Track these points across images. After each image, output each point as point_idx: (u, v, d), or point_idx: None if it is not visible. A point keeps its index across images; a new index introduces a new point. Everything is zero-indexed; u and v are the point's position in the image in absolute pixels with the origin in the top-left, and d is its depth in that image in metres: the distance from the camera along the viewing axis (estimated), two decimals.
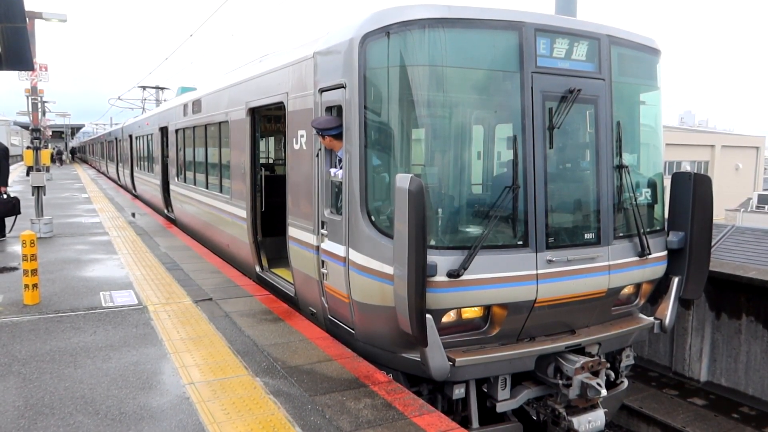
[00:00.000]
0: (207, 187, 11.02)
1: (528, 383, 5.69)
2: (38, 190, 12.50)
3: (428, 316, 4.74)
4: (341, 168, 5.55)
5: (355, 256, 5.34)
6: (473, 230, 5.15)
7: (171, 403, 4.43)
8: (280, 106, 7.10)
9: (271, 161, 12.93)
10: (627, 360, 6.39)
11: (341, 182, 5.53)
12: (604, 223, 5.57)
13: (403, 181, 4.50)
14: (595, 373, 5.55)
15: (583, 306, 5.62)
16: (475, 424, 5.44)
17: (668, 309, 6.16)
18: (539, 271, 5.21)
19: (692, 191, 6.00)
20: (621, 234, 5.76)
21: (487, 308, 5.28)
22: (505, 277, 5.09)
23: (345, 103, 5.40)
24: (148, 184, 18.48)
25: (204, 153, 11.36)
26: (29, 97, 13.33)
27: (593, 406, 5.66)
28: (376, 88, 5.25)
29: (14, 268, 8.98)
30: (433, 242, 4.94)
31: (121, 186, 27.41)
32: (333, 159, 5.88)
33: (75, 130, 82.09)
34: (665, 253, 6.13)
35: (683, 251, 6.11)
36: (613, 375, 6.15)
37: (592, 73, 5.53)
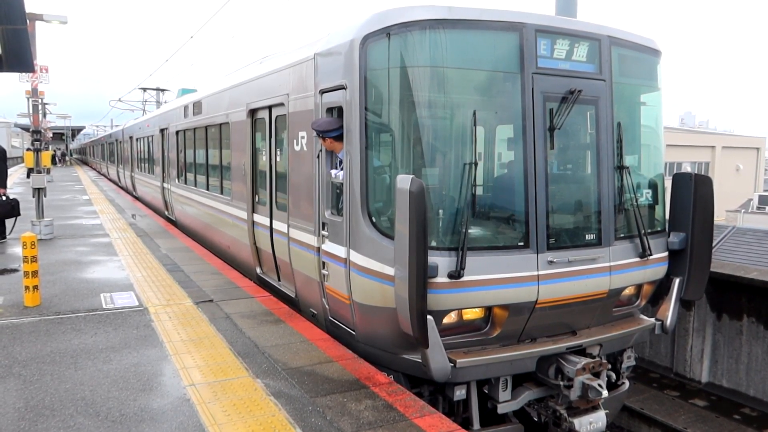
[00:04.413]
0: (208, 189, 11.03)
1: (529, 384, 5.68)
2: (39, 192, 12.50)
3: (429, 317, 4.74)
4: (342, 169, 5.55)
5: (356, 258, 5.34)
6: (474, 231, 5.15)
7: (172, 405, 4.43)
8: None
9: None
10: (628, 361, 6.38)
11: (342, 183, 5.53)
12: (605, 224, 5.56)
13: (403, 182, 4.50)
14: (596, 374, 5.54)
15: (585, 307, 5.61)
16: (476, 425, 5.44)
17: (669, 310, 6.16)
18: (540, 272, 5.21)
19: (693, 192, 5.99)
20: (622, 235, 5.76)
21: (488, 309, 5.27)
22: (506, 278, 5.09)
23: (346, 104, 5.40)
24: (149, 185, 18.49)
25: (204, 154, 11.37)
26: (30, 99, 13.34)
27: (594, 408, 5.65)
28: (377, 90, 5.25)
29: (15, 270, 8.98)
30: (434, 243, 4.93)
31: (121, 188, 27.43)
32: (333, 160, 5.88)
33: (75, 131, 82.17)
34: (666, 254, 6.12)
35: (684, 252, 6.10)
36: (614, 376, 6.14)
37: (593, 74, 5.53)
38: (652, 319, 6.25)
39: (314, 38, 6.59)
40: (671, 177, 6.27)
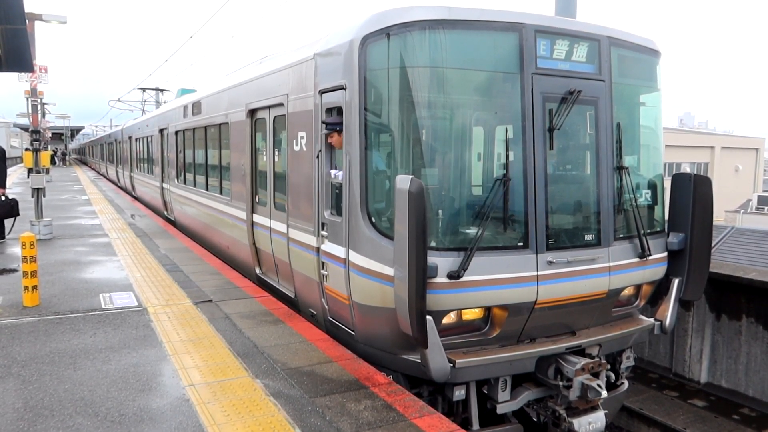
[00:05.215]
0: (207, 189, 11.02)
1: (528, 385, 5.69)
2: (38, 192, 12.49)
3: (428, 317, 4.74)
4: (341, 169, 5.55)
5: (356, 258, 5.34)
6: (474, 231, 5.15)
7: (171, 405, 4.43)
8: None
9: None
10: (627, 361, 6.38)
11: (341, 184, 5.53)
12: (604, 225, 5.57)
13: (403, 182, 4.50)
14: (596, 375, 5.54)
15: (584, 307, 5.61)
16: (476, 425, 5.44)
17: (668, 310, 6.16)
18: (540, 273, 5.21)
19: (692, 193, 6.00)
20: (621, 235, 5.77)
21: (488, 310, 5.28)
22: (505, 278, 5.09)
23: (345, 104, 5.40)
24: (148, 185, 18.49)
25: (204, 154, 11.37)
26: (29, 99, 13.32)
27: (593, 408, 5.65)
28: (377, 90, 5.25)
29: (14, 270, 8.97)
30: (433, 243, 4.94)
31: (120, 188, 27.41)
32: (333, 160, 5.88)
33: (75, 131, 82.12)
34: (665, 254, 6.13)
35: (683, 252, 6.11)
36: (613, 376, 6.14)
37: (593, 75, 5.53)
38: (652, 320, 6.25)
39: (314, 38, 6.59)
40: (670, 177, 6.27)
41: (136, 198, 21.99)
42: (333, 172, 5.78)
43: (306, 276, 6.49)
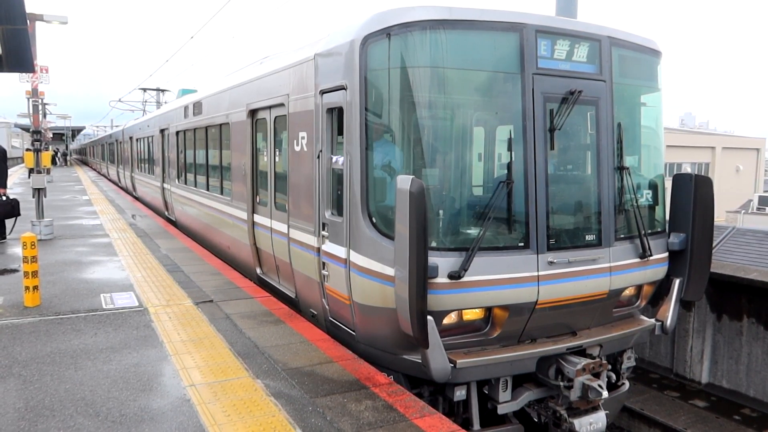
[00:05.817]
0: (208, 189, 11.03)
1: (529, 385, 5.69)
2: (39, 192, 12.51)
3: (429, 317, 4.74)
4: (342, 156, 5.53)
5: (356, 258, 5.34)
6: (474, 232, 5.15)
7: (172, 405, 4.43)
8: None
9: None
10: (628, 362, 6.38)
11: (342, 170, 5.51)
12: (605, 225, 5.57)
13: (404, 182, 4.50)
14: (597, 375, 5.54)
15: (585, 308, 5.61)
16: (477, 426, 5.44)
17: (669, 311, 6.16)
18: (540, 273, 5.21)
19: (693, 193, 6.00)
20: (622, 235, 5.77)
21: (489, 310, 5.28)
22: (506, 278, 5.09)
23: (346, 104, 5.40)
24: (149, 186, 18.50)
25: (205, 155, 11.38)
26: (30, 99, 13.34)
27: (594, 408, 5.66)
28: (377, 90, 5.25)
29: (15, 270, 8.97)
30: (434, 244, 4.94)
31: (121, 188, 27.44)
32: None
33: (76, 132, 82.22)
34: (666, 254, 6.13)
35: (684, 253, 6.11)
36: (614, 377, 6.14)
37: (593, 75, 5.53)
38: (652, 320, 6.25)
39: (314, 39, 6.59)
40: (671, 178, 6.27)
41: (136, 198, 22.01)
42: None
43: (307, 276, 6.49)
